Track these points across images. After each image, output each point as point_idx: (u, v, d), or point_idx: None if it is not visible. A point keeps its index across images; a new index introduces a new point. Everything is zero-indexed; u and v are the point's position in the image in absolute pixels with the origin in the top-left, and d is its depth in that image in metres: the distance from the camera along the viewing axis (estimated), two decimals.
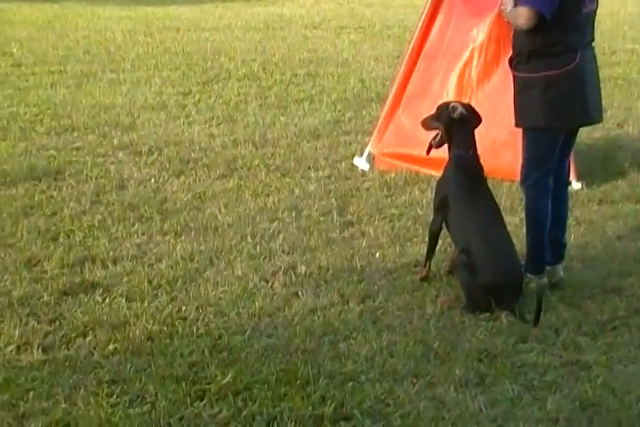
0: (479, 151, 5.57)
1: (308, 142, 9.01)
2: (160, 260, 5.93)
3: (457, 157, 5.55)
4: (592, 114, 5.60)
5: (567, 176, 5.90)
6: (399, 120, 8.14)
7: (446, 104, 5.70)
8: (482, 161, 5.58)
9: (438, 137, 5.66)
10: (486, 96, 7.63)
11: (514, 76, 5.55)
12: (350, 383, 4.41)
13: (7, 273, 5.67)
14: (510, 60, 5.57)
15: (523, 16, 5.28)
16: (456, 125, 5.55)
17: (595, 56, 5.56)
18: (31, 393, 4.27)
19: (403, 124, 8.07)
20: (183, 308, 5.22)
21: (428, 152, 5.77)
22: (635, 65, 13.95)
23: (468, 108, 5.64)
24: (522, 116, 5.54)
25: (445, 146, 5.63)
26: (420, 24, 8.04)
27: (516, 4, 5.28)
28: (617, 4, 21.53)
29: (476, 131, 5.60)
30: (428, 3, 7.97)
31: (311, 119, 10.00)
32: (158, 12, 20.08)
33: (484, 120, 5.65)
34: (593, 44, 5.57)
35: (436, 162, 6.07)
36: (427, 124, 5.79)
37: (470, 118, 5.60)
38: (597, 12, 5.51)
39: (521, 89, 5.51)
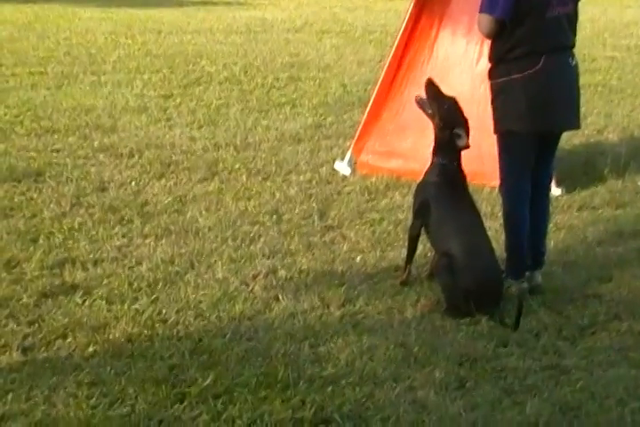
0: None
1: (289, 146, 9.01)
2: (140, 262, 5.91)
3: (440, 165, 5.52)
4: (560, 120, 5.56)
5: (549, 184, 5.89)
6: (383, 126, 8.13)
7: (452, 111, 5.49)
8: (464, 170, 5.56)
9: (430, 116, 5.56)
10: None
11: (489, 84, 5.57)
12: (330, 387, 4.40)
13: None
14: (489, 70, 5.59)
15: (481, 24, 5.34)
16: (448, 141, 5.46)
17: (571, 62, 5.47)
18: (10, 395, 4.24)
19: (387, 131, 8.08)
20: (163, 310, 5.20)
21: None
22: (615, 72, 14.05)
23: (465, 131, 5.46)
24: (494, 121, 5.55)
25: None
26: (402, 29, 8.05)
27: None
28: (597, 10, 21.68)
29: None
30: (410, 8, 7.98)
31: (292, 123, 10.00)
32: (140, 15, 20.05)
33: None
34: (573, 50, 5.51)
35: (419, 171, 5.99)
36: (424, 106, 5.61)
37: (463, 140, 5.47)
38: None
39: (493, 96, 5.54)
